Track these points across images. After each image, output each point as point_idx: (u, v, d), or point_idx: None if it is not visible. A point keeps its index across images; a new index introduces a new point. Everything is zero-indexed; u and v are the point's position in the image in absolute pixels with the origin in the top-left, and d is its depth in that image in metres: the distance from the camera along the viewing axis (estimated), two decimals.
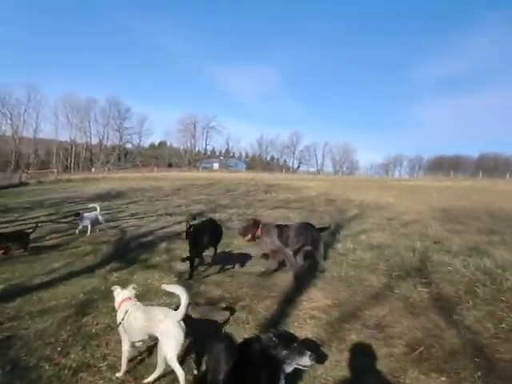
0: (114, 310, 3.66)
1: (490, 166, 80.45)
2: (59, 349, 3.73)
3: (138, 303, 3.55)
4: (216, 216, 12.52)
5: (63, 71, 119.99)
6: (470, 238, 8.77)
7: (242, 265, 6.71)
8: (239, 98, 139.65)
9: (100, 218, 10.19)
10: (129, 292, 3.68)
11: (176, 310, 3.24)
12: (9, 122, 72.63)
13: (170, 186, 26.05)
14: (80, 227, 9.81)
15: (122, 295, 3.64)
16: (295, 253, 6.25)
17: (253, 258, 7.11)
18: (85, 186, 28.36)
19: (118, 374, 3.36)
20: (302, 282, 5.66)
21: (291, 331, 3.83)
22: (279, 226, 6.39)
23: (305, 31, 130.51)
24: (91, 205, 10.71)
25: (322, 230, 6.92)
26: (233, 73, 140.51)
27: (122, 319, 3.39)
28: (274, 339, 2.55)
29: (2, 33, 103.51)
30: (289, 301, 4.91)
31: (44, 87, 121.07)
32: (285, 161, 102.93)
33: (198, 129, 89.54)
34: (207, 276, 6.08)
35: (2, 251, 7.59)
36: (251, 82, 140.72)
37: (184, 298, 3.19)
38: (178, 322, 3.18)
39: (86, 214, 9.91)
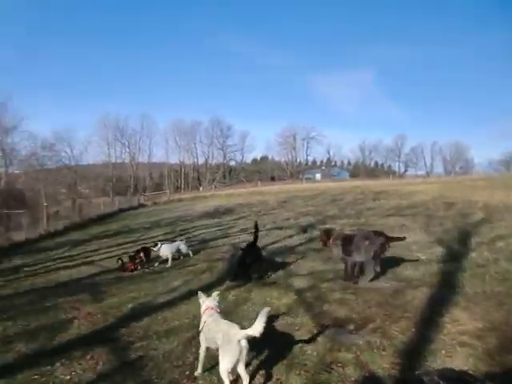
0: None
1: None
2: (187, 373, 3.67)
3: (216, 314, 3.71)
4: (326, 227, 12.20)
5: (170, 99, 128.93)
6: None
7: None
8: (336, 105, 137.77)
9: (183, 248, 9.58)
10: (212, 300, 3.88)
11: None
12: (127, 150, 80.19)
13: (275, 200, 26.21)
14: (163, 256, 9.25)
15: (206, 303, 3.86)
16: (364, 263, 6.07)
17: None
18: (194, 205, 29.85)
19: (196, 373, 3.63)
20: (439, 299, 5.03)
21: (439, 361, 3.36)
22: (346, 236, 6.34)
23: (393, 31, 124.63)
24: (179, 239, 10.30)
25: (393, 239, 6.29)
26: (327, 81, 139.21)
27: (201, 327, 3.67)
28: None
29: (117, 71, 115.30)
30: (428, 323, 4.30)
31: (155, 115, 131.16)
32: (389, 166, 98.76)
33: (297, 140, 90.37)
34: (326, 292, 5.74)
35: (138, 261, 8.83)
36: (347, 88, 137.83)
37: (260, 321, 3.20)
38: (239, 340, 3.20)
39: (164, 246, 9.30)
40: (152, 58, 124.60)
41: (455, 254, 7.18)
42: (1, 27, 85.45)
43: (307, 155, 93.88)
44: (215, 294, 3.98)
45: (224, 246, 10.52)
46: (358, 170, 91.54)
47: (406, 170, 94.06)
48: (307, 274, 6.74)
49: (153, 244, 9.52)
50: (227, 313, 5.09)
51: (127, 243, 12.47)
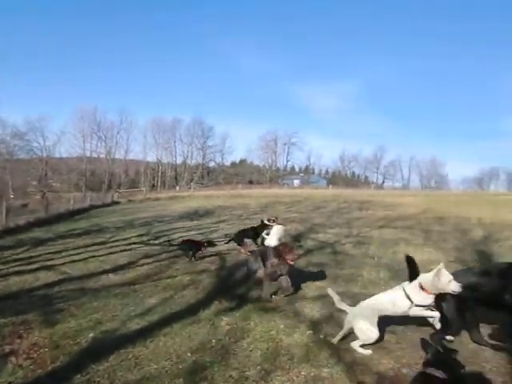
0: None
1: None
2: None
3: None
4: (319, 237, 11.02)
5: (151, 96, 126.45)
6: None
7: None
8: (319, 114, 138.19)
9: None
10: None
11: None
12: (103, 144, 77.51)
13: (256, 204, 25.02)
14: None
15: None
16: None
17: None
18: (172, 205, 28.27)
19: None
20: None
21: None
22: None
23: (379, 45, 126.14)
24: None
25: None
26: (312, 89, 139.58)
27: None
28: None
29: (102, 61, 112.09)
30: None
31: (135, 110, 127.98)
32: (366, 177, 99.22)
33: (279, 145, 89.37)
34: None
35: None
36: (331, 98, 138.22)
37: None
38: None
39: None
40: (138, 53, 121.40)
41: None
42: None
43: (287, 161, 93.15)
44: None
45: (207, 254, 9.11)
46: (336, 179, 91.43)
47: (383, 182, 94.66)
48: (317, 298, 5.43)
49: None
50: (219, 350, 3.82)
51: (96, 244, 10.94)
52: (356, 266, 7.20)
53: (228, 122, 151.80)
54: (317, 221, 15.64)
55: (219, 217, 18.22)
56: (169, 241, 9.60)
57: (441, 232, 11.85)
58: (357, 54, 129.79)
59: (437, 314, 3.91)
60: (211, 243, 8.82)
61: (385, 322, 4.42)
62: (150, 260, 8.62)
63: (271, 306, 5.20)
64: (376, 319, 3.90)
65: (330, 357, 3.64)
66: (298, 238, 10.86)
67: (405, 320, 4.34)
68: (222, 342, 4.09)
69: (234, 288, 6.16)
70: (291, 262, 5.58)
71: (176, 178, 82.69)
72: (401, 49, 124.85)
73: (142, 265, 8.20)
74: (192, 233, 12.95)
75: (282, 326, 4.43)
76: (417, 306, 3.82)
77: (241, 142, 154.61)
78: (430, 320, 4.11)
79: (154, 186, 78.47)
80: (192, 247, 8.56)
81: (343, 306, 4.11)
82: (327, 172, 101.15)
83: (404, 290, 3.95)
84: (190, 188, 61.49)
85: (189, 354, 3.82)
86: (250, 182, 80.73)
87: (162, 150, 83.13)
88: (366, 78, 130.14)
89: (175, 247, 9.09)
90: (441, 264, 3.75)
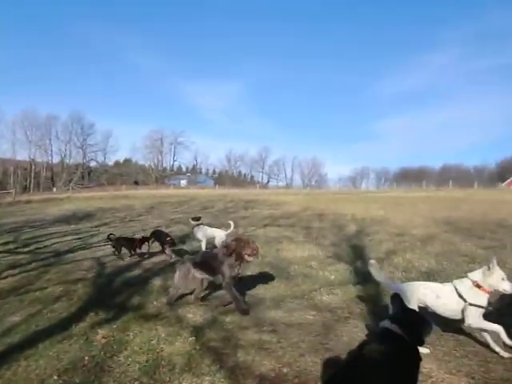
0: None
1: (452, 176, 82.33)
2: None
3: None
4: None
5: (21, 87, 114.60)
6: None
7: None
8: (207, 113, 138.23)
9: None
10: None
11: None
12: None
13: (141, 205, 24.09)
14: None
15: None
16: None
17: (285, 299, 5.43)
18: (47, 208, 25.80)
19: None
20: None
21: None
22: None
23: (266, 46, 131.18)
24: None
25: None
26: (199, 89, 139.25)
27: None
28: None
29: None
30: None
31: (1, 104, 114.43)
32: (251, 176, 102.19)
33: (165, 145, 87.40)
34: (234, 329, 4.38)
35: None
36: (217, 98, 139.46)
37: None
38: None
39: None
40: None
41: (365, 274, 6.40)
42: None
43: (174, 160, 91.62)
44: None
45: (85, 260, 8.40)
46: (223, 179, 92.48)
47: (268, 181, 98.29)
48: (200, 302, 5.31)
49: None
50: (92, 368, 3.48)
51: None
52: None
53: (111, 119, 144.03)
54: (204, 221, 15.48)
55: (101, 220, 17.12)
56: (109, 235, 8.83)
57: (320, 228, 12.51)
58: (241, 54, 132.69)
59: (499, 328, 3.51)
60: (147, 239, 8.81)
61: (267, 321, 4.45)
62: (15, 271, 7.65)
63: (153, 313, 4.90)
64: (415, 306, 3.66)
65: (212, 363, 3.50)
66: (182, 238, 10.60)
67: (286, 318, 4.42)
68: (97, 358, 3.72)
69: (112, 297, 5.73)
70: (249, 259, 4.97)
71: (52, 179, 75.89)
72: (281, 50, 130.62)
73: (6, 277, 7.24)
74: (69, 238, 11.95)
75: (164, 335, 4.18)
76: (471, 305, 3.53)
77: (125, 141, 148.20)
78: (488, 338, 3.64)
79: (26, 187, 71.10)
80: (126, 245, 8.49)
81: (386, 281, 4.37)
82: (214, 172, 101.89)
83: (455, 288, 3.68)
84: (68, 189, 57.10)
85: (55, 377, 3.38)
86: (136, 183, 77.79)
87: (36, 148, 75.73)
88: (251, 78, 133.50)
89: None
90: (494, 259, 3.57)
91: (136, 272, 7.16)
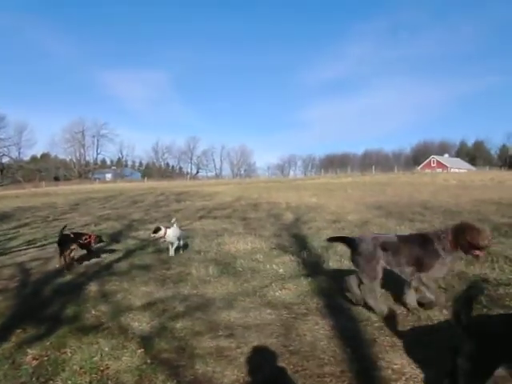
0: None
1: (373, 161, 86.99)
2: None
3: None
4: (140, 235, 10.29)
5: None
6: None
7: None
8: (131, 104, 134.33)
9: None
10: None
11: None
12: None
13: (65, 202, 22.62)
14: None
15: None
16: None
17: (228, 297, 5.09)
18: None
19: None
20: (350, 336, 3.89)
21: None
22: None
23: (191, 33, 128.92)
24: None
25: None
26: (121, 77, 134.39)
27: None
28: None
29: None
30: (369, 379, 3.02)
31: None
32: (180, 168, 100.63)
33: (87, 138, 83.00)
34: (187, 336, 4.01)
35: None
36: (142, 87, 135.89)
37: None
38: None
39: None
40: None
41: (313, 264, 6.32)
42: None
43: (98, 154, 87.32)
44: None
45: (5, 268, 7.46)
46: (150, 171, 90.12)
47: (197, 172, 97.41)
48: (146, 307, 4.83)
49: None
50: None
51: None
52: (183, 263, 6.77)
53: (25, 111, 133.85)
54: (135, 216, 14.88)
55: (19, 220, 15.63)
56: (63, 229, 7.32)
57: (257, 219, 12.41)
58: (164, 41, 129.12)
59: None
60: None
61: (222, 324, 4.15)
62: None
63: (92, 325, 4.37)
64: None
65: (168, 379, 3.13)
66: (115, 237, 9.92)
67: (242, 319, 4.16)
68: (28, 382, 3.22)
69: (42, 308, 5.06)
70: (481, 254, 3.88)
71: None
72: (205, 37, 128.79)
73: None
74: None
75: (107, 349, 3.71)
76: None
77: (43, 135, 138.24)
78: None
79: None
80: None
81: None
82: (141, 164, 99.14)
83: None
84: None
85: None
86: (56, 179, 73.31)
87: None
88: (175, 67, 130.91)
89: None
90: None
91: (67, 278, 6.40)
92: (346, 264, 5.86)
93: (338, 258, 6.44)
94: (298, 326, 4.00)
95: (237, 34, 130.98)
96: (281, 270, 5.96)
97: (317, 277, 5.50)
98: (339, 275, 5.10)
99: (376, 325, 3.91)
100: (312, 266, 6.09)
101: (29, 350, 3.79)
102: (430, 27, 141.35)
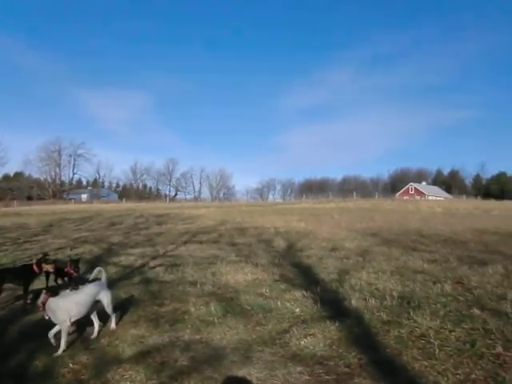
0: None
1: (352, 187, 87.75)
2: None
3: None
4: (121, 261, 9.27)
5: None
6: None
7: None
8: (109, 124, 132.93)
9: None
10: None
11: None
12: None
13: (37, 223, 21.17)
14: None
15: None
16: None
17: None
18: None
19: None
20: None
21: None
22: None
23: (171, 53, 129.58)
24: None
25: None
26: (100, 96, 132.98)
27: None
28: None
29: None
30: None
31: None
32: (157, 189, 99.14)
33: (63, 157, 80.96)
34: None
35: None
36: (121, 107, 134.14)
37: None
38: None
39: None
40: None
41: (332, 303, 5.31)
42: None
43: (74, 173, 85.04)
44: None
45: None
46: (127, 192, 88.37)
47: (176, 194, 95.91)
48: (138, 358, 3.77)
49: None
50: None
51: None
52: (178, 298, 5.78)
53: None
54: (114, 239, 13.83)
55: None
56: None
57: (247, 245, 11.63)
58: (144, 61, 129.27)
59: None
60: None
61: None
62: None
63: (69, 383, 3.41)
64: None
65: None
66: (94, 262, 8.85)
67: (268, 381, 3.25)
68: None
69: (3, 359, 4.04)
70: None
71: None
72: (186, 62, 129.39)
73: None
74: None
75: None
76: None
77: (16, 153, 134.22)
78: None
79: None
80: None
81: None
82: (118, 185, 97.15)
83: None
84: None
85: None
86: (29, 198, 70.75)
87: None
88: (154, 90, 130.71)
89: None
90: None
91: (38, 315, 5.09)
92: (372, 303, 5.03)
93: (360, 296, 5.56)
94: None
95: (218, 56, 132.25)
96: (297, 310, 4.96)
97: (344, 320, 4.52)
98: (370, 318, 4.27)
99: None
100: (332, 305, 5.14)
101: None
102: (407, 57, 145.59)
